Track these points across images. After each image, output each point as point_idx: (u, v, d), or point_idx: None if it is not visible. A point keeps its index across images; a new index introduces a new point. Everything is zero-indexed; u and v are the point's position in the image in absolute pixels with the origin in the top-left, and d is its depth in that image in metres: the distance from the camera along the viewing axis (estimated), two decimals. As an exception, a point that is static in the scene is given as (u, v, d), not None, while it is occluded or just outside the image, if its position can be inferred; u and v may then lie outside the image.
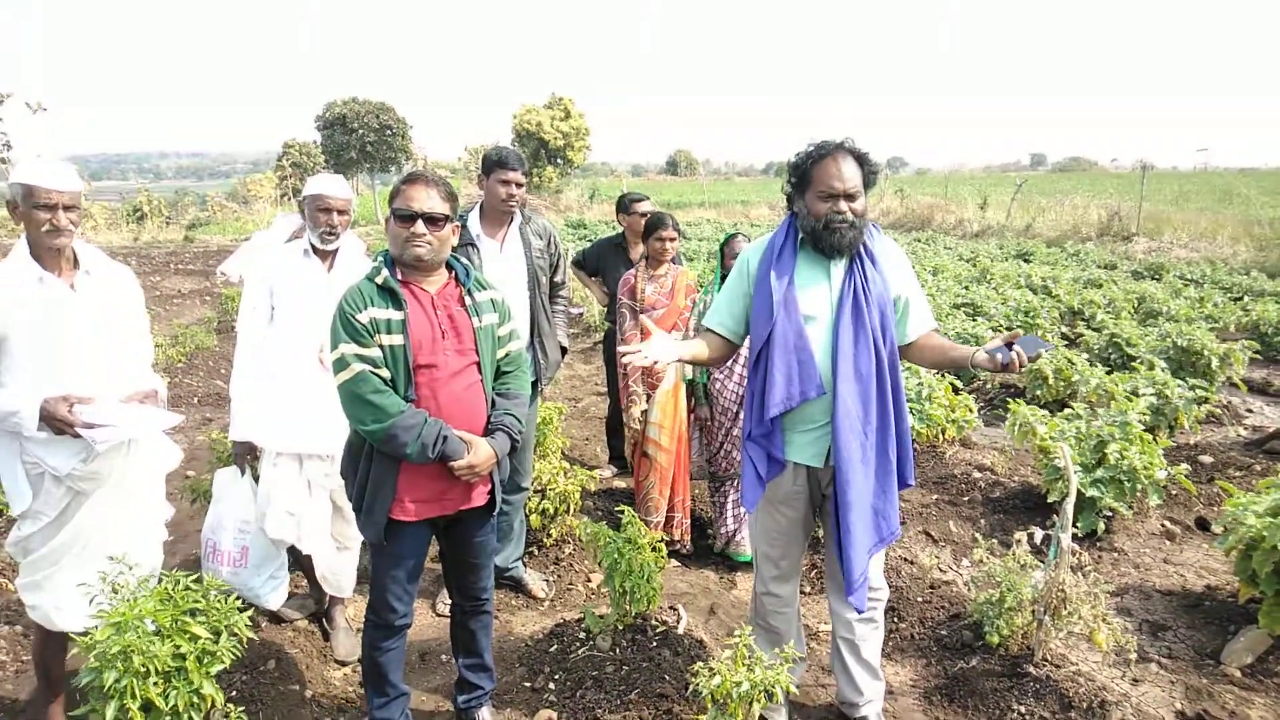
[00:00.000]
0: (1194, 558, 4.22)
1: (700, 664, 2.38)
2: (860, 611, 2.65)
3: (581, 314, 9.95)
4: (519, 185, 3.48)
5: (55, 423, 2.38)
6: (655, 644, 3.23)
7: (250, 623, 2.40)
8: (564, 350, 3.89)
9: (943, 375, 6.03)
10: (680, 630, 3.42)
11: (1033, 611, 3.04)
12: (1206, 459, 5.42)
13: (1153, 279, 13.28)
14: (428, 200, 2.43)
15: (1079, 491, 4.12)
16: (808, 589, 3.88)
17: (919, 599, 3.73)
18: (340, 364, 2.37)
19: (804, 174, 2.55)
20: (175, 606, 2.26)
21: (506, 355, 2.65)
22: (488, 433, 2.54)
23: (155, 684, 2.11)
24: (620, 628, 3.26)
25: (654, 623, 3.33)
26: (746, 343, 2.74)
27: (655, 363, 2.47)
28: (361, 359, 2.35)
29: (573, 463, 4.58)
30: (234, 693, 2.91)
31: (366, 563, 3.04)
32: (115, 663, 2.09)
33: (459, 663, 2.91)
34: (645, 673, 3.06)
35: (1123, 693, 3.00)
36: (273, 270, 3.16)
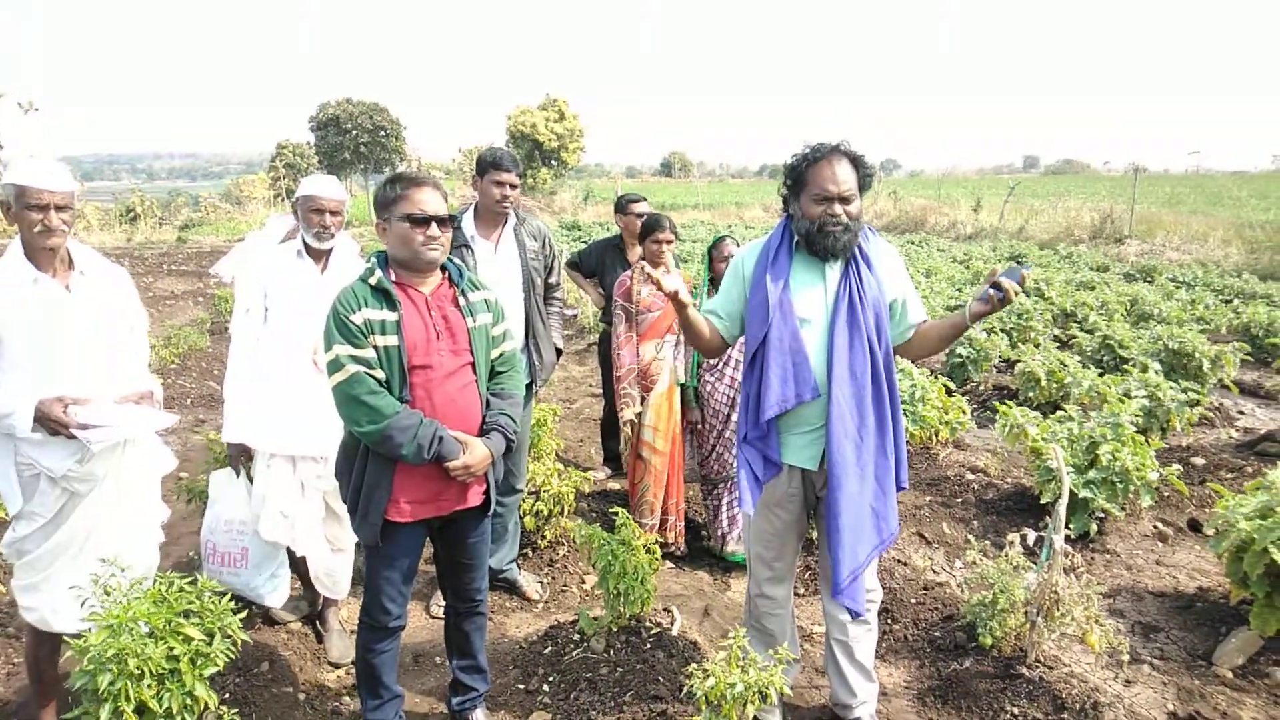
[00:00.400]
0: (1186, 559, 4.24)
1: (694, 665, 2.38)
2: (856, 615, 2.66)
3: (576, 316, 9.94)
4: (513, 187, 3.48)
5: (50, 424, 2.38)
6: (649, 646, 3.23)
7: (244, 624, 2.39)
8: (559, 352, 3.89)
9: (935, 376, 6.05)
10: (674, 632, 3.42)
11: (1025, 613, 3.06)
12: (1198, 461, 5.45)
13: (1145, 281, 13.36)
14: (437, 203, 2.45)
15: (1071, 493, 4.13)
16: (801, 590, 3.89)
17: (912, 600, 3.74)
18: (335, 365, 2.36)
19: (799, 176, 2.55)
20: (169, 608, 2.25)
21: (500, 355, 2.65)
22: (483, 433, 2.55)
23: (149, 686, 2.11)
24: (614, 629, 3.26)
25: (648, 624, 3.33)
26: (739, 344, 2.74)
27: (675, 292, 2.48)
28: (356, 360, 2.35)
29: (567, 464, 4.58)
30: (227, 695, 2.90)
31: (361, 564, 3.04)
32: (110, 666, 2.08)
33: (453, 665, 2.90)
34: (639, 674, 3.06)
35: (1115, 694, 3.01)
36: (266, 271, 3.16)
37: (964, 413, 5.83)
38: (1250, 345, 7.89)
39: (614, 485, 5.32)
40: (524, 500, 3.97)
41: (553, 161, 38.53)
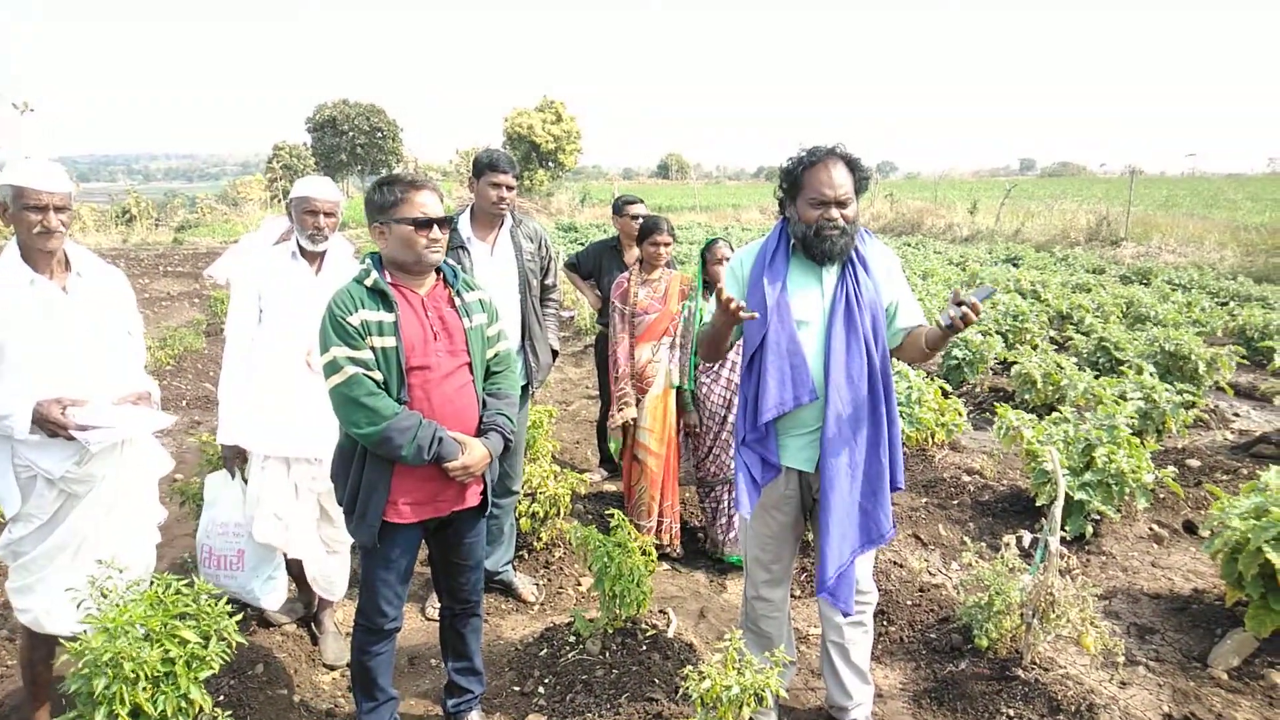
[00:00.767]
0: (1181, 561, 4.25)
1: (690, 668, 2.38)
2: (846, 615, 2.65)
3: (572, 317, 9.94)
4: (510, 188, 3.48)
5: (48, 425, 2.37)
6: (645, 648, 3.22)
7: (239, 627, 2.38)
8: (555, 354, 3.89)
9: (932, 378, 6.06)
10: (670, 634, 3.42)
11: (1021, 615, 3.06)
12: (1194, 463, 5.46)
13: (1141, 284, 13.38)
14: (437, 205, 2.46)
15: (1067, 495, 4.14)
16: (798, 593, 3.89)
17: (908, 602, 3.74)
18: (332, 367, 2.36)
19: (795, 180, 2.55)
20: (165, 611, 2.24)
21: (496, 355, 2.66)
22: (481, 433, 2.55)
23: (144, 689, 2.10)
24: (610, 631, 3.25)
25: (644, 626, 3.32)
26: (735, 348, 2.74)
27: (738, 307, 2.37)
28: (354, 362, 2.34)
29: (563, 466, 4.58)
30: (221, 697, 2.90)
31: (356, 566, 3.03)
32: (105, 669, 2.07)
33: (448, 667, 2.90)
34: (635, 676, 3.06)
35: (1111, 695, 3.02)
36: (260, 273, 3.15)
37: (960, 415, 5.84)
38: (1245, 348, 7.91)
39: (610, 487, 5.31)
40: (520, 502, 3.97)
41: (549, 163, 38.53)
